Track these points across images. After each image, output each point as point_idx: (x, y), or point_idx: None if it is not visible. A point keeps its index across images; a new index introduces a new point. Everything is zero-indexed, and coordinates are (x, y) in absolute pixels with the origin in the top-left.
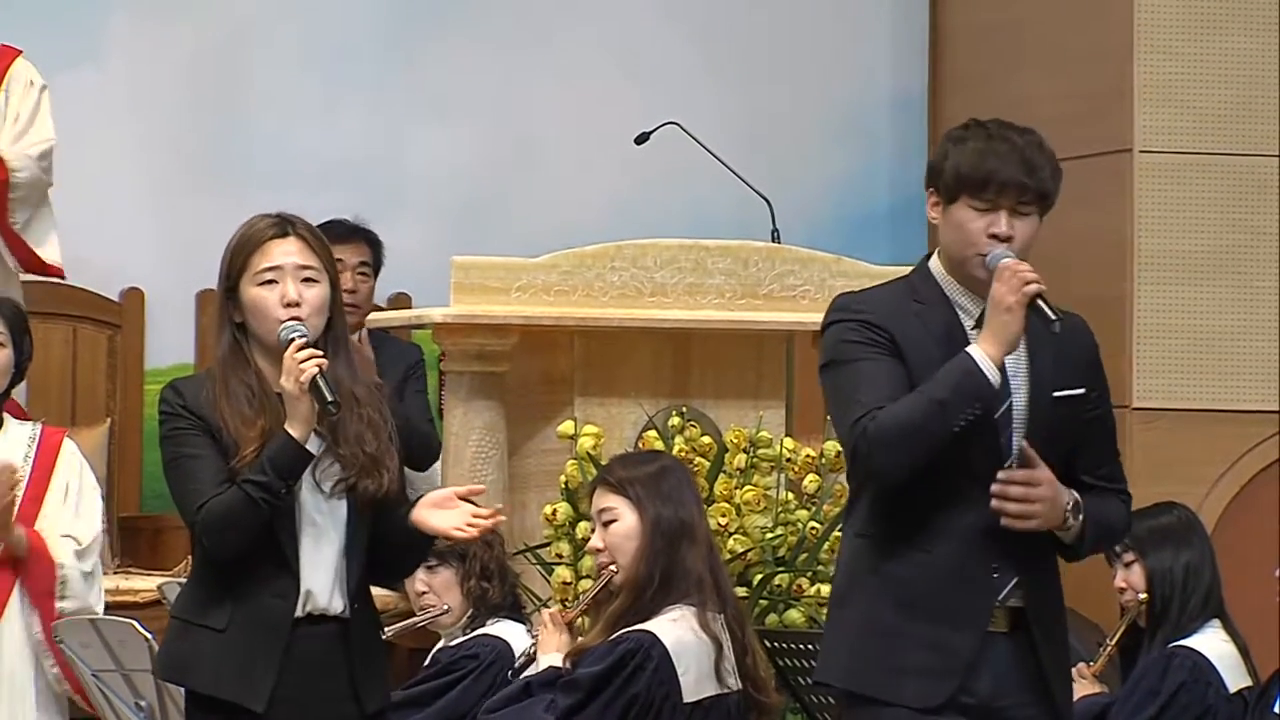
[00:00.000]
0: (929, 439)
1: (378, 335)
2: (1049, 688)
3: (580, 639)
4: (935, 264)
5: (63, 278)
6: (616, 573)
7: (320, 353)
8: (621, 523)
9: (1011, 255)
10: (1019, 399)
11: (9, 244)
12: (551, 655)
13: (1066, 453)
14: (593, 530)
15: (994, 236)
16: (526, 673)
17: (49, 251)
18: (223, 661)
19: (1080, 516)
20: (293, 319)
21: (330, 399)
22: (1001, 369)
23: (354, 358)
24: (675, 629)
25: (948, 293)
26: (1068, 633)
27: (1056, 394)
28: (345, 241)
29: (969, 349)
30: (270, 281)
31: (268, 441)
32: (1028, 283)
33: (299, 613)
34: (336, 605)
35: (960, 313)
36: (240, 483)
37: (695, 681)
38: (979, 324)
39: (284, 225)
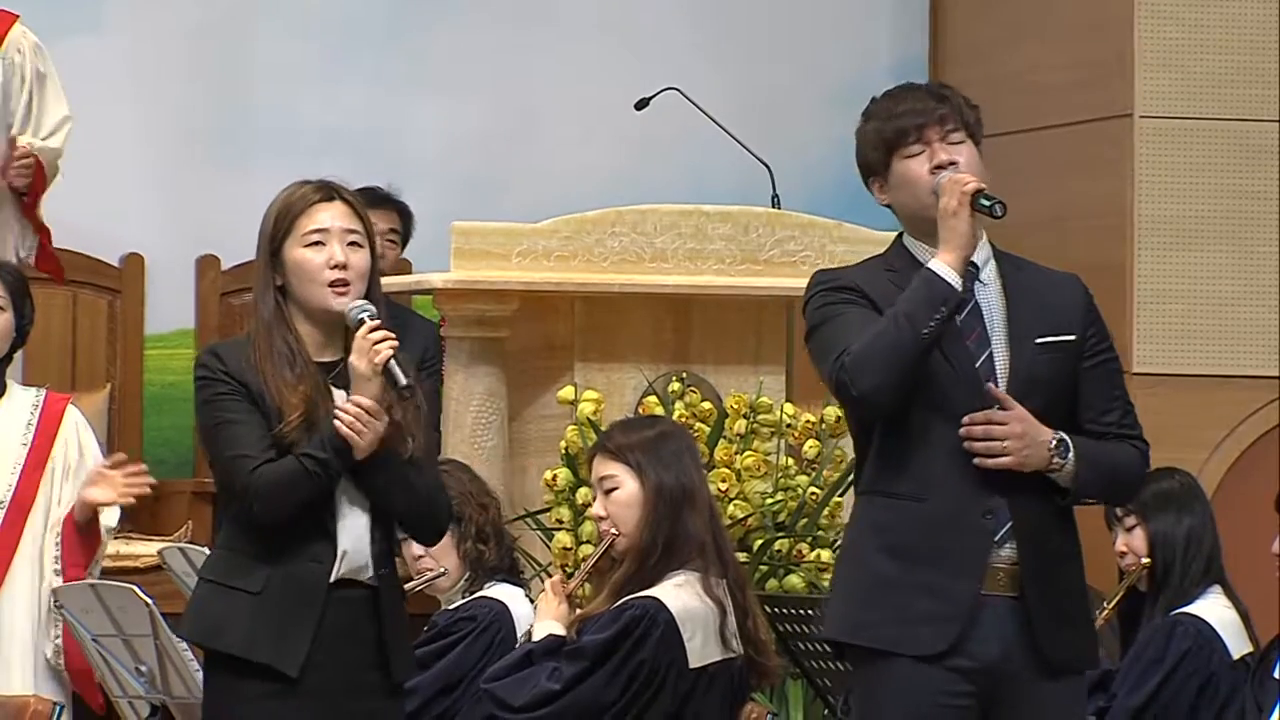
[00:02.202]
0: (902, 352)
1: (395, 307)
2: (1042, 651)
3: (583, 607)
4: (905, 238)
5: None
6: (618, 538)
7: (393, 335)
8: (623, 490)
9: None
10: (999, 349)
11: (43, 243)
12: (548, 624)
13: (1065, 403)
14: (594, 498)
15: (939, 167)
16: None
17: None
18: (257, 624)
19: (1069, 455)
20: (338, 281)
21: (405, 383)
22: (978, 312)
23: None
24: (680, 595)
25: (918, 256)
26: (1081, 579)
27: (1039, 340)
28: (376, 208)
29: (928, 263)
30: (317, 244)
31: (315, 409)
32: (966, 184)
33: (333, 577)
34: (368, 570)
35: None
36: (299, 456)
37: (701, 647)
38: None
39: (329, 190)
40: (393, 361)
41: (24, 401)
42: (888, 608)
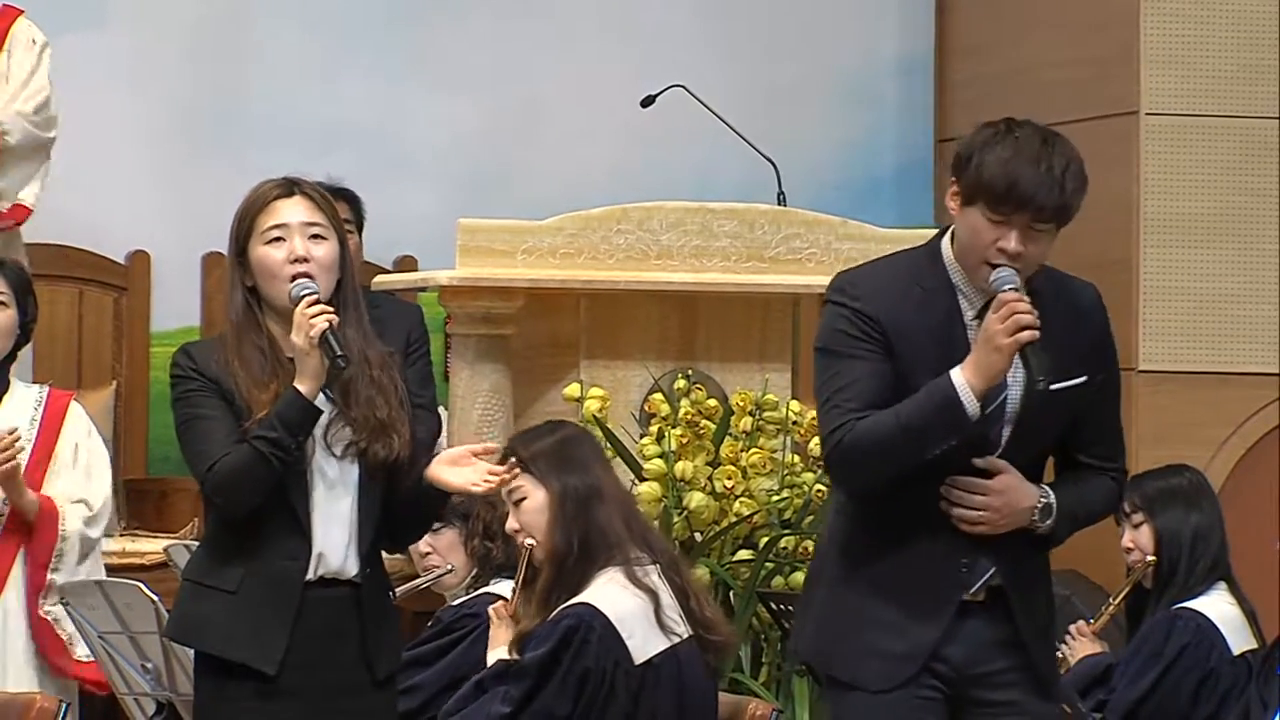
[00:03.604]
0: (900, 463)
1: (375, 294)
2: (1028, 655)
3: (519, 625)
4: (946, 247)
5: (19, 221)
6: (534, 546)
7: (330, 309)
8: (530, 499)
9: (1016, 282)
10: (1014, 392)
11: None
12: (500, 650)
13: (1062, 433)
14: (506, 514)
15: (1002, 251)
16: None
17: (25, 195)
18: (234, 623)
19: (1050, 520)
20: (301, 275)
21: (338, 353)
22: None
23: (365, 319)
24: (609, 594)
25: (953, 279)
26: (1051, 602)
27: (1054, 386)
28: None
29: (952, 374)
30: (278, 239)
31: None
32: (1021, 327)
33: (311, 575)
34: (350, 569)
35: (963, 300)
36: (250, 439)
37: (642, 642)
38: (979, 315)
39: (289, 185)
40: (329, 333)
41: (27, 399)
42: (851, 638)
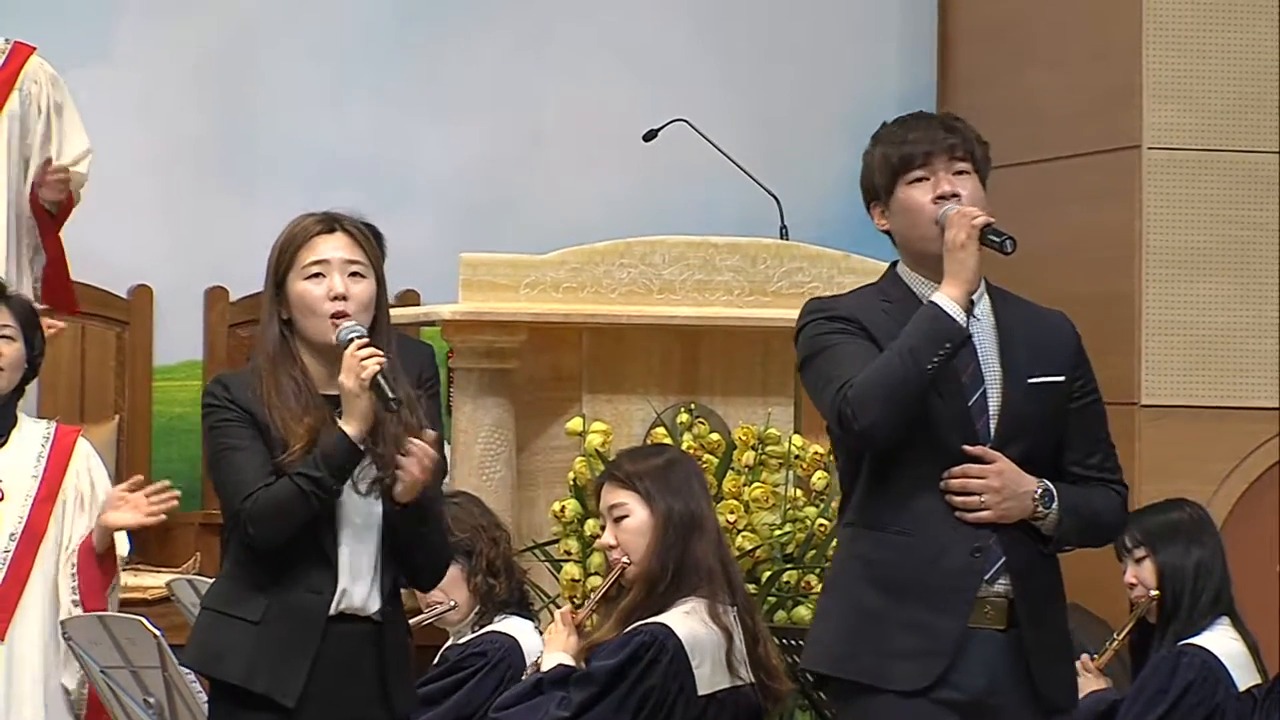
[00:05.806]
0: (906, 387)
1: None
2: (1034, 685)
3: (593, 635)
4: (900, 267)
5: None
6: (629, 565)
7: (381, 351)
8: (633, 518)
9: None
10: (993, 387)
11: (54, 272)
12: (557, 654)
13: (1052, 443)
14: (603, 526)
15: (941, 198)
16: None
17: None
18: (256, 653)
19: (1053, 505)
20: (340, 314)
21: (392, 396)
22: (974, 348)
23: (396, 358)
24: (688, 622)
25: (915, 289)
26: (1066, 618)
27: (1031, 380)
28: None
29: (932, 297)
30: (317, 275)
31: (318, 438)
32: (975, 217)
33: (333, 610)
34: (372, 605)
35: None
36: (292, 476)
37: (710, 674)
38: None
39: (331, 221)
40: (380, 377)
41: (35, 434)
42: (871, 641)
